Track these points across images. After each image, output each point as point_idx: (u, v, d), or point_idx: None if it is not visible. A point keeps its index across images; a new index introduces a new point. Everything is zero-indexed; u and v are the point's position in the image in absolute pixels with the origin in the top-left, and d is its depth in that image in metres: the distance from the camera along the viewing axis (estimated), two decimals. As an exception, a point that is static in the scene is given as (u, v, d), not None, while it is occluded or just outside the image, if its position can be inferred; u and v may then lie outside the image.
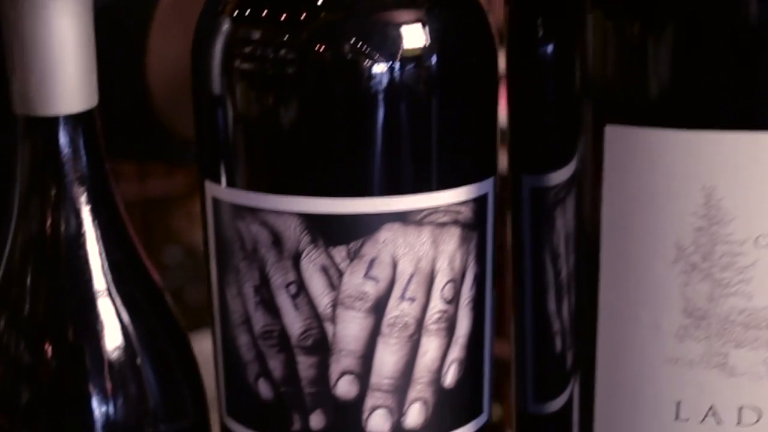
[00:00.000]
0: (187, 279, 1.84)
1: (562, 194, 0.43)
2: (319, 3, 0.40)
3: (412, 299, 0.42)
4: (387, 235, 0.41)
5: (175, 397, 0.45)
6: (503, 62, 0.45)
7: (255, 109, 0.41)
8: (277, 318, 0.42)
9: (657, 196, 0.40)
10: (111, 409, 0.43)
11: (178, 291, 1.81)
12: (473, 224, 0.43)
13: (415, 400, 0.43)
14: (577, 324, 0.43)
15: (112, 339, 0.43)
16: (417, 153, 0.41)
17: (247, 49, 0.41)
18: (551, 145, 0.43)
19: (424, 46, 0.41)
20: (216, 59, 0.42)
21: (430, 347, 0.43)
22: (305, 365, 0.42)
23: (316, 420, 0.43)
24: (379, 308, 0.42)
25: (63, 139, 0.42)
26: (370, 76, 0.40)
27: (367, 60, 0.40)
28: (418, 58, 0.40)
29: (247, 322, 0.43)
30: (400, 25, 0.40)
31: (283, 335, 0.42)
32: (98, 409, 0.43)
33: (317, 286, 0.42)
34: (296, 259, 0.41)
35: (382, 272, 0.42)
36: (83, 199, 0.43)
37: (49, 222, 0.43)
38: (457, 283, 0.43)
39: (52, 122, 0.41)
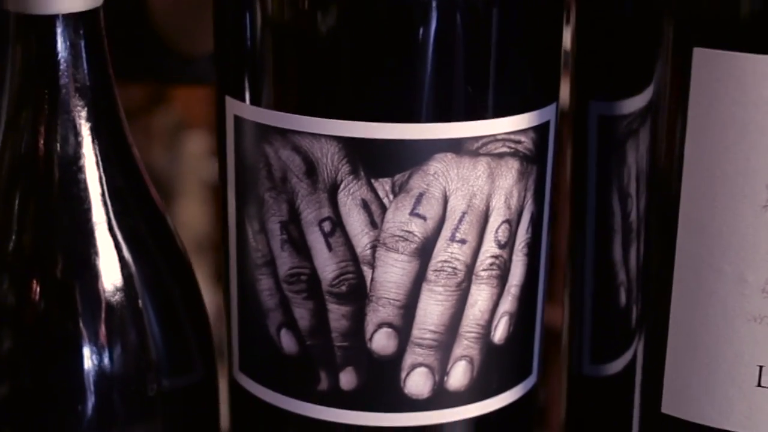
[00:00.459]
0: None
1: (635, 124, 0.38)
2: None
3: (463, 241, 0.37)
4: (438, 166, 0.37)
5: (181, 348, 0.40)
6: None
7: (289, 13, 0.36)
8: (307, 259, 0.38)
9: (749, 129, 0.36)
10: (106, 360, 0.38)
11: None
12: (533, 156, 0.38)
13: (461, 357, 0.39)
14: (647, 276, 0.39)
15: (111, 279, 0.38)
16: (473, 72, 0.37)
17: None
18: (625, 68, 0.39)
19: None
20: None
21: (479, 297, 0.38)
22: (337, 315, 0.38)
23: (347, 378, 0.38)
24: (425, 251, 0.37)
25: (61, 42, 0.37)
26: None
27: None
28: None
29: (271, 263, 0.38)
30: None
31: (313, 279, 0.38)
32: (91, 359, 0.38)
33: (356, 223, 0.37)
34: (333, 191, 0.37)
35: (430, 209, 0.37)
36: (83, 114, 0.38)
37: (41, 140, 0.38)
38: (513, 224, 0.38)
39: (50, 22, 0.37)
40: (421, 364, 0.38)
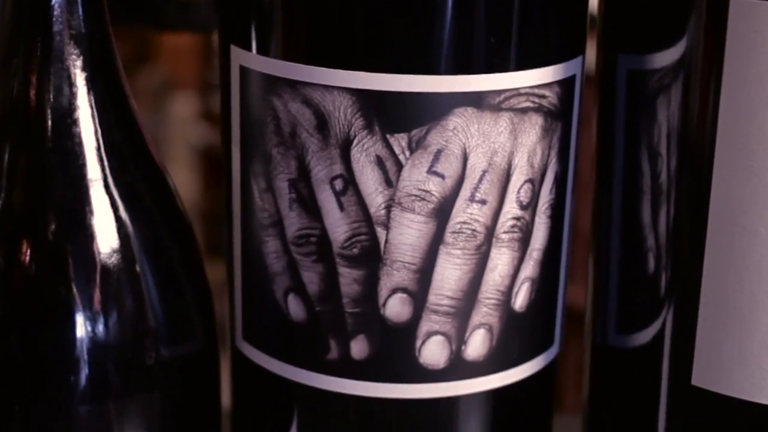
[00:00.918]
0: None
1: (667, 79, 0.37)
2: None
3: (483, 202, 0.36)
4: (458, 121, 0.35)
5: (181, 315, 0.39)
6: None
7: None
8: (317, 220, 0.36)
9: (788, 84, 0.34)
10: (101, 327, 0.37)
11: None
12: (558, 112, 0.37)
13: (479, 325, 0.37)
14: (678, 240, 0.38)
15: (106, 240, 0.37)
16: (495, 22, 0.36)
17: None
18: (657, 19, 0.37)
19: None
20: None
21: (500, 262, 0.37)
22: (348, 279, 0.36)
23: (359, 347, 0.37)
24: (443, 211, 0.36)
25: (56, -17, 0.35)
26: None
27: None
28: None
29: (278, 224, 0.37)
30: None
31: (324, 241, 0.36)
32: (85, 326, 0.37)
33: (369, 181, 0.35)
34: (345, 147, 0.35)
35: (449, 167, 0.35)
36: (78, 63, 0.36)
37: (33, 91, 0.36)
38: (536, 184, 0.37)
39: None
40: (437, 332, 0.37)
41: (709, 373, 0.37)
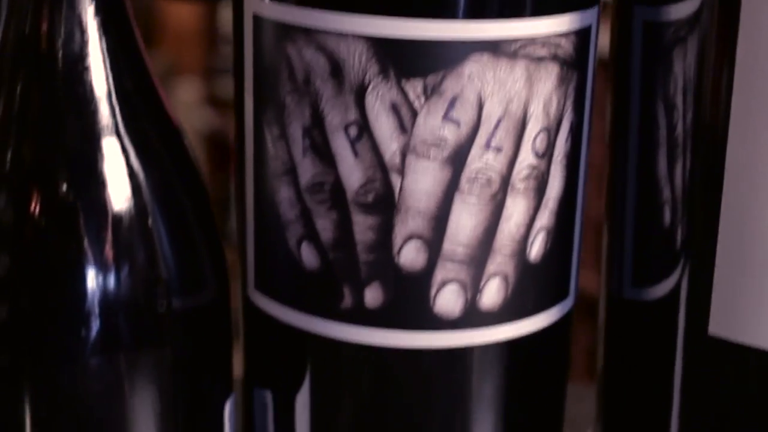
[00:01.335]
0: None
1: (683, 31, 0.37)
2: None
3: (499, 149, 0.36)
4: (473, 68, 0.35)
5: (193, 266, 0.39)
6: None
7: None
8: (331, 167, 0.36)
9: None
10: (112, 279, 0.37)
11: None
12: (574, 62, 0.37)
13: (494, 274, 0.38)
14: (695, 192, 0.38)
15: (118, 189, 0.37)
16: (511, -32, 0.35)
17: None
18: (673, -32, 0.37)
19: None
20: None
21: (515, 210, 0.37)
22: (363, 227, 0.37)
23: (372, 295, 0.37)
24: (458, 158, 0.36)
25: None
26: None
27: None
28: None
29: (292, 171, 0.37)
30: None
31: (338, 188, 0.37)
32: (96, 278, 0.37)
33: (384, 127, 0.36)
34: (360, 93, 0.36)
35: (464, 114, 0.36)
36: (90, 9, 0.37)
37: (43, 37, 0.36)
38: (551, 133, 0.37)
39: None
40: (452, 281, 0.37)
41: (726, 322, 0.38)
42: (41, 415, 0.37)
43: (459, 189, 0.37)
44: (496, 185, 0.37)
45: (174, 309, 0.38)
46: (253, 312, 0.41)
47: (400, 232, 0.37)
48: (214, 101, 2.06)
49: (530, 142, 0.37)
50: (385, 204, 0.37)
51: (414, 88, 0.36)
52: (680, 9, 0.38)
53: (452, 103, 0.36)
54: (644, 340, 0.41)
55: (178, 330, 0.39)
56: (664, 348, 0.40)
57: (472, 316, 0.38)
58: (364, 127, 0.36)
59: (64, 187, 0.37)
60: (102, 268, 0.37)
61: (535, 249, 0.38)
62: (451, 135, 0.36)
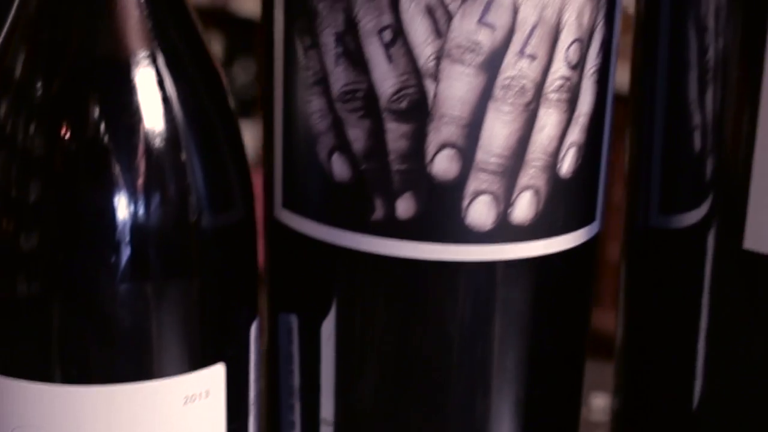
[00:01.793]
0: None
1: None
2: None
3: (533, 57, 0.37)
4: (508, -29, 0.36)
5: (223, 189, 0.39)
6: None
7: None
8: (364, 73, 0.36)
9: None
10: (142, 203, 0.36)
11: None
12: (606, -26, 0.38)
13: (526, 187, 0.37)
14: (726, 118, 0.38)
15: (149, 114, 0.37)
16: None
17: None
18: None
19: None
20: None
21: (548, 122, 0.37)
22: (396, 135, 0.37)
23: (405, 206, 0.37)
24: (492, 64, 0.36)
25: None
26: None
27: None
28: None
29: (324, 81, 0.37)
30: None
31: (371, 96, 0.37)
32: (127, 203, 0.36)
33: (419, 31, 0.36)
34: (395, -5, 0.36)
35: (500, 18, 0.36)
36: None
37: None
38: (584, 44, 0.38)
39: None
40: (484, 192, 0.37)
41: (762, 236, 0.38)
42: (71, 343, 0.37)
43: (493, 96, 0.37)
44: (529, 94, 0.37)
45: (204, 232, 0.38)
46: (279, 233, 0.40)
47: (433, 141, 0.37)
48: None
49: (563, 52, 0.37)
50: (418, 111, 0.37)
51: (449, -9, 0.36)
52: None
53: (487, 7, 0.36)
54: (673, 268, 0.41)
55: (208, 254, 0.38)
56: (694, 272, 0.39)
57: (503, 230, 0.38)
58: (398, 31, 0.36)
59: (95, 112, 0.37)
60: (131, 186, 0.37)
61: (566, 164, 0.38)
62: (485, 39, 0.36)
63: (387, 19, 0.36)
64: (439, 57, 0.36)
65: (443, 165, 0.37)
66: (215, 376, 0.38)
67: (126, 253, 0.37)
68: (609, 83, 0.40)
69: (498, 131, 0.37)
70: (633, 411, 0.44)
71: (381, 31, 0.36)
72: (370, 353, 0.39)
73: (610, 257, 0.43)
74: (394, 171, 0.37)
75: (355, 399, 0.40)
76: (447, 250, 0.38)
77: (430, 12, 0.36)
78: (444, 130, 0.37)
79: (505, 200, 0.38)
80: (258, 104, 0.41)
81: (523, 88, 0.37)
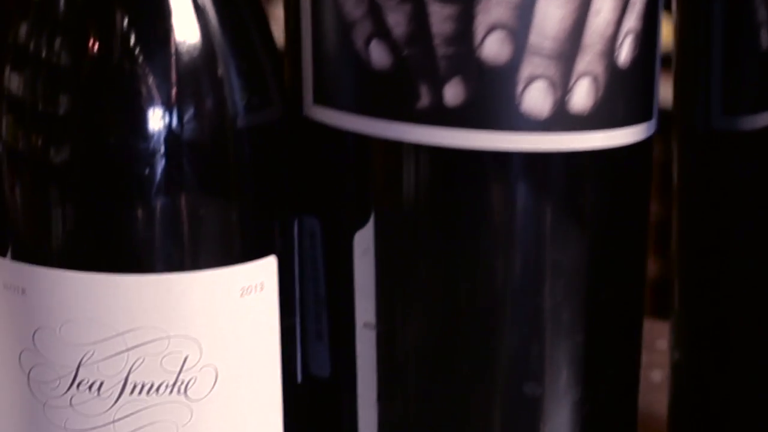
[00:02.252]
0: None
1: None
2: None
3: (588, -68, 0.34)
4: None
5: (263, 79, 0.36)
6: None
7: None
8: (405, -50, 0.34)
9: None
10: (191, 99, 0.34)
11: None
12: None
13: (584, 74, 0.35)
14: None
15: (183, 18, 0.34)
16: None
17: None
18: None
19: None
20: None
21: (603, 6, 0.35)
22: (440, 17, 0.34)
23: (453, 92, 0.34)
24: (546, -62, 0.33)
25: None
26: None
27: None
28: None
29: (358, -38, 0.34)
30: None
31: (413, -28, 0.34)
32: (176, 95, 0.34)
33: None
34: None
35: None
36: None
37: None
38: None
39: None
40: (540, 77, 0.34)
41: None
42: (125, 231, 0.34)
43: (545, -26, 0.34)
44: (582, -28, 0.34)
45: (252, 124, 0.35)
46: (313, 131, 0.37)
47: (482, 22, 0.34)
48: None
49: (619, -71, 0.35)
50: (465, -9, 0.34)
51: None
52: None
53: None
54: (740, 168, 0.38)
55: (256, 143, 0.36)
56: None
57: (561, 118, 0.35)
58: None
59: (122, 23, 0.34)
60: (183, 83, 0.34)
61: (624, 53, 0.36)
62: None
63: None
64: (487, -71, 0.33)
65: (494, 48, 0.34)
66: (268, 268, 0.36)
67: (180, 142, 0.34)
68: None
69: (552, 12, 0.34)
70: (695, 363, 0.41)
71: None
72: (415, 254, 0.36)
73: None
74: (440, 56, 0.34)
75: (401, 303, 0.37)
76: (500, 138, 0.35)
77: None
78: (494, 11, 0.34)
79: (563, 86, 0.35)
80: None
81: (575, -34, 0.34)
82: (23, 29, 0.35)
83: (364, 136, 0.36)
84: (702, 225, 0.40)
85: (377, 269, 0.37)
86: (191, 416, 0.36)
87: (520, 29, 0.34)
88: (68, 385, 0.35)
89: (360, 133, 0.36)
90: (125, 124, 0.34)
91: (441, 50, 0.34)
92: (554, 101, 0.35)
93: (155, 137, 0.34)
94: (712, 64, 0.38)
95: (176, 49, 0.34)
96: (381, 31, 0.35)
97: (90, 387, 0.35)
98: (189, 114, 0.34)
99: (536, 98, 0.34)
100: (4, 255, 0.35)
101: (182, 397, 0.36)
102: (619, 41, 0.35)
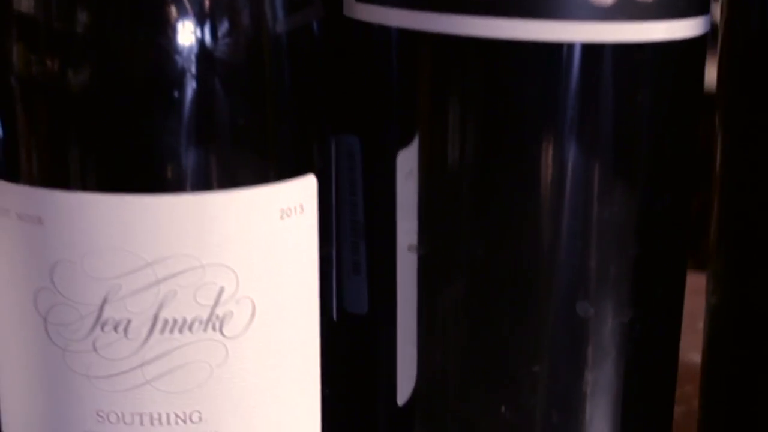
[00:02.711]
0: None
1: None
2: None
3: None
4: None
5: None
6: None
7: None
8: None
9: None
10: (213, 15, 0.31)
11: None
12: None
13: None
14: None
15: None
16: None
17: None
18: None
19: None
20: None
21: None
22: None
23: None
24: None
25: None
26: None
27: None
28: None
29: None
30: None
31: None
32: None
33: None
34: None
35: None
36: None
37: None
38: None
39: None
40: None
41: None
42: (137, 170, 0.31)
43: None
44: None
45: (280, 36, 0.32)
46: (351, 32, 0.34)
47: None
48: None
49: None
50: None
51: None
52: None
53: None
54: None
55: (286, 60, 0.33)
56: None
57: (625, 5, 0.32)
58: None
59: None
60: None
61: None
62: None
63: None
64: None
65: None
66: (308, 188, 0.33)
67: (213, 47, 0.31)
68: None
69: None
70: (733, 308, 0.39)
71: None
72: (464, 175, 0.34)
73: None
74: (493, -62, 0.31)
75: (448, 226, 0.34)
76: (562, 28, 0.32)
77: None
78: None
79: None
80: None
81: None
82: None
83: (410, 42, 0.33)
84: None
85: (422, 192, 0.34)
86: (227, 355, 0.33)
87: None
88: (91, 327, 0.32)
89: (407, 29, 0.33)
90: (155, 27, 0.30)
91: None
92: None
93: (186, 43, 0.31)
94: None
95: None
96: None
97: (116, 327, 0.32)
98: (223, 18, 0.31)
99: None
100: (17, 181, 0.32)
101: (217, 335, 0.32)
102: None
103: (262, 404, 0.34)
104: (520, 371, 0.35)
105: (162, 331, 0.32)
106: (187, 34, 0.31)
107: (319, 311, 0.35)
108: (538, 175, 0.34)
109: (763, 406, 0.38)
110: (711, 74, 0.37)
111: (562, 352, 0.35)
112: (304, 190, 0.33)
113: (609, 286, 0.35)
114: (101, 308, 0.32)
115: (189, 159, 0.31)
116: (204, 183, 0.31)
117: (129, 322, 0.32)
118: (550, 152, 0.33)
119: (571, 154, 0.33)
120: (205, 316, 0.32)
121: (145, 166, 0.31)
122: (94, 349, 0.32)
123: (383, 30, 0.33)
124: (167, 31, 0.30)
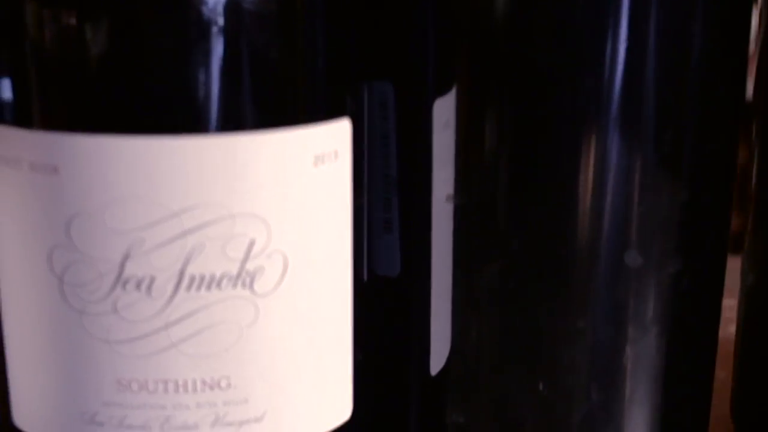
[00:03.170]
0: None
1: None
2: None
3: None
4: None
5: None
6: None
7: None
8: None
9: None
10: None
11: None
12: None
13: None
14: None
15: None
16: None
17: None
18: None
19: None
20: None
21: None
22: None
23: None
24: None
25: None
26: None
27: None
28: None
29: None
30: None
31: None
32: None
33: None
34: None
35: None
36: None
37: None
38: None
39: None
40: None
41: None
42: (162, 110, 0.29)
43: None
44: None
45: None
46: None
47: None
48: None
49: None
50: None
51: None
52: None
53: None
54: None
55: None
56: None
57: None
58: None
59: None
60: None
61: None
62: None
63: None
64: None
65: None
66: (343, 133, 0.31)
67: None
68: None
69: None
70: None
71: None
72: (504, 124, 0.32)
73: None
74: None
75: (488, 177, 0.32)
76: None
77: None
78: None
79: None
80: None
81: None
82: None
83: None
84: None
85: (459, 143, 0.32)
86: (257, 315, 0.30)
87: None
88: (111, 285, 0.30)
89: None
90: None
91: None
92: None
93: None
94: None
95: None
96: None
97: (138, 285, 0.29)
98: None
99: None
100: (29, 126, 0.29)
101: (247, 292, 0.30)
102: None
103: (293, 370, 0.31)
104: (565, 329, 0.33)
105: (188, 288, 0.29)
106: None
107: (352, 270, 0.32)
108: (583, 118, 0.32)
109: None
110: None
111: (613, 304, 0.33)
112: (338, 134, 0.31)
113: (658, 236, 0.33)
114: (122, 265, 0.29)
115: (218, 97, 0.29)
116: (234, 124, 0.29)
117: (153, 279, 0.29)
118: (597, 92, 0.31)
119: (619, 92, 0.31)
120: (234, 271, 0.30)
121: (170, 105, 0.29)
122: (115, 310, 0.30)
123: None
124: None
